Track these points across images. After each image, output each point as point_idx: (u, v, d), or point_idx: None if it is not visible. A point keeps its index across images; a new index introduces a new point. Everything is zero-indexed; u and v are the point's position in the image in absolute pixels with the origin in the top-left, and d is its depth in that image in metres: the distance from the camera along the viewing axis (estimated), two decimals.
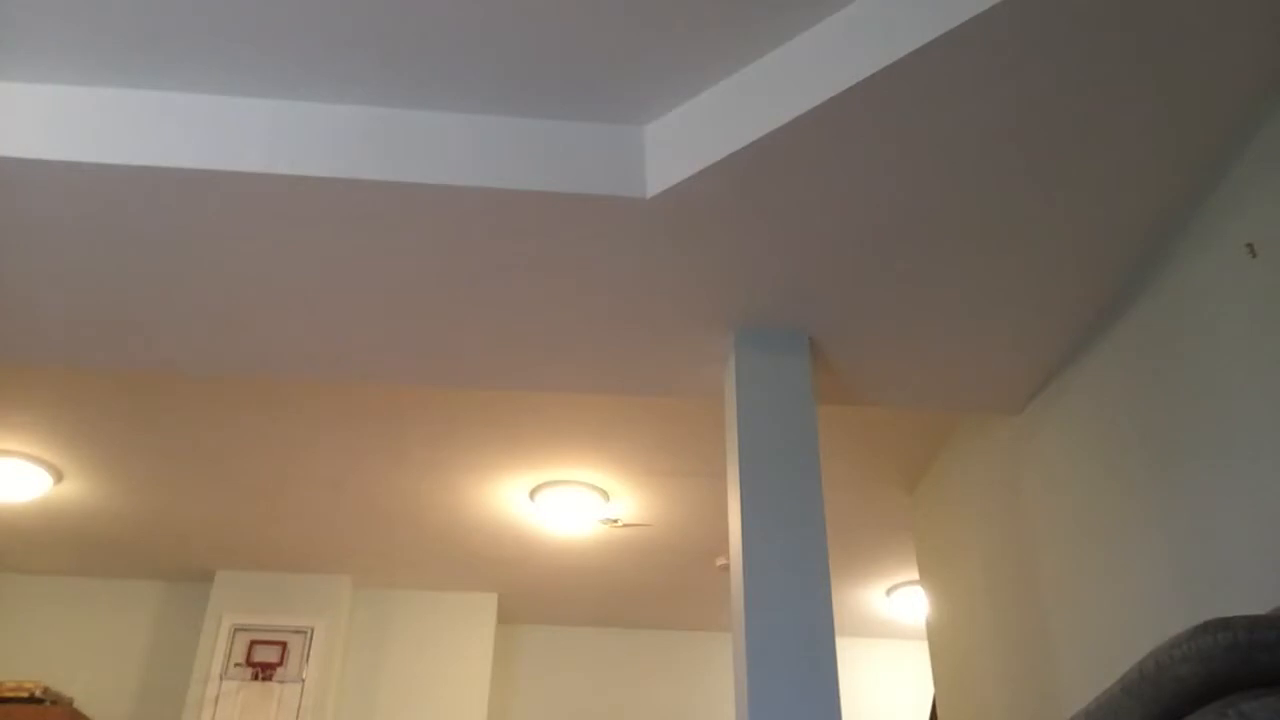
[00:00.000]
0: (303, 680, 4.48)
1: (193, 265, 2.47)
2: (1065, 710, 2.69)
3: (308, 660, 4.54)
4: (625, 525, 4.30)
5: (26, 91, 2.26)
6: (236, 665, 4.50)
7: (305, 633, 4.61)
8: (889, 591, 4.95)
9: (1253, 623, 1.27)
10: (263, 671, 4.49)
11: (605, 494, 4.05)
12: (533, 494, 4.05)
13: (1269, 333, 1.99)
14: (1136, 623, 2.39)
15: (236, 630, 4.59)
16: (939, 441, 3.65)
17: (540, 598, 5.03)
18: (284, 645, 4.57)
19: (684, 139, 2.25)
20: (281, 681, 4.48)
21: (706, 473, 3.89)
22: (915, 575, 4.80)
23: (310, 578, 4.77)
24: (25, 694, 4.10)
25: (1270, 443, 1.96)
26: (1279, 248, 1.99)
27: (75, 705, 4.36)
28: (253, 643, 4.56)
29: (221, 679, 4.46)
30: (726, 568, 4.70)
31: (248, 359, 2.80)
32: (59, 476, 3.95)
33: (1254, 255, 2.05)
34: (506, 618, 5.24)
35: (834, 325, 2.65)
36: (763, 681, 2.20)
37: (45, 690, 4.15)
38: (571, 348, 2.73)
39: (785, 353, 2.64)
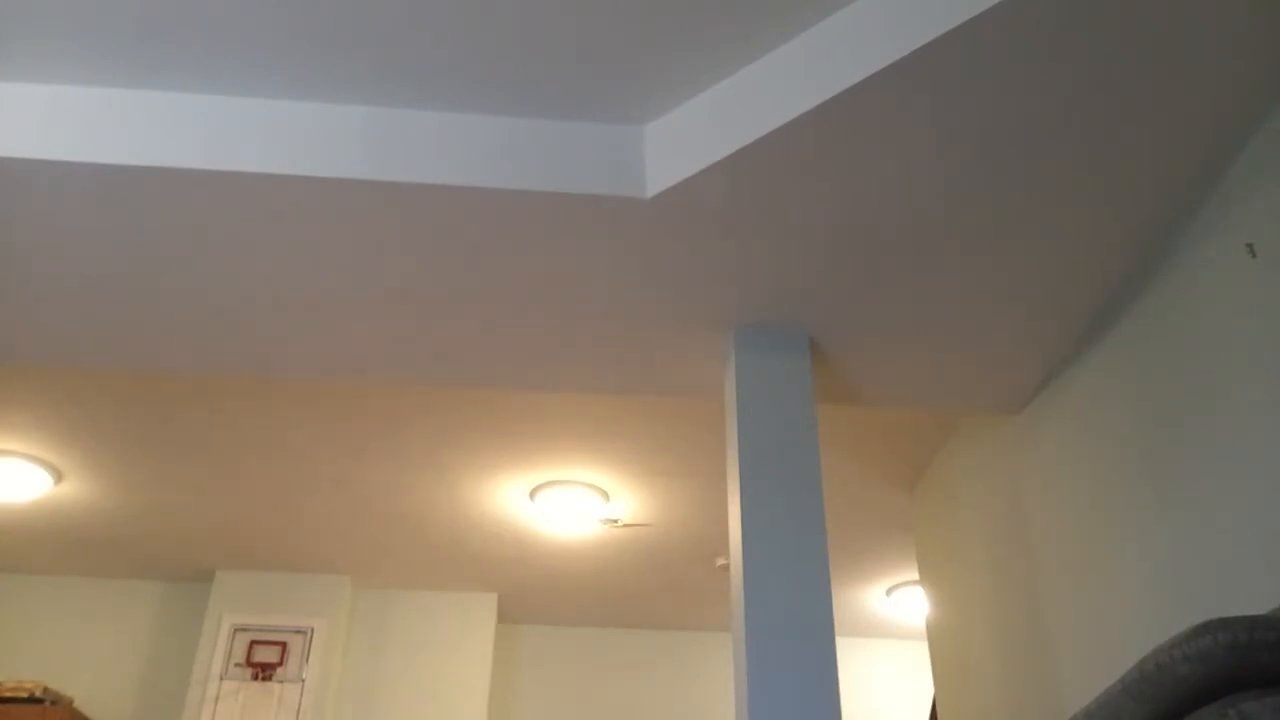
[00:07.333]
0: (303, 680, 4.48)
1: (191, 265, 2.47)
2: (1065, 710, 2.69)
3: (308, 660, 4.54)
4: (625, 525, 4.30)
5: (26, 91, 2.26)
6: (236, 665, 4.50)
7: (305, 633, 4.61)
8: (889, 591, 4.95)
9: (1253, 623, 1.27)
10: (263, 671, 4.49)
11: (605, 494, 4.05)
12: (533, 494, 4.05)
13: (1269, 333, 1.99)
14: (1137, 623, 2.39)
15: (236, 630, 4.59)
16: (939, 441, 3.65)
17: (540, 598, 5.03)
18: (284, 645, 4.57)
19: (684, 139, 2.25)
20: (281, 681, 4.48)
21: (706, 473, 3.89)
22: (915, 575, 4.80)
23: (310, 578, 4.77)
24: (25, 694, 4.10)
25: (1270, 442, 1.96)
26: (1279, 248, 1.99)
27: (75, 705, 4.36)
28: (253, 643, 4.56)
29: (221, 679, 4.46)
30: (726, 568, 4.70)
31: (247, 359, 2.79)
32: (59, 476, 3.95)
33: (1254, 255, 2.05)
34: (506, 618, 5.24)
35: (834, 325, 2.65)
36: (763, 681, 2.20)
37: (45, 690, 4.15)
38: (571, 347, 2.73)
39: (785, 353, 2.64)
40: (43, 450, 3.78)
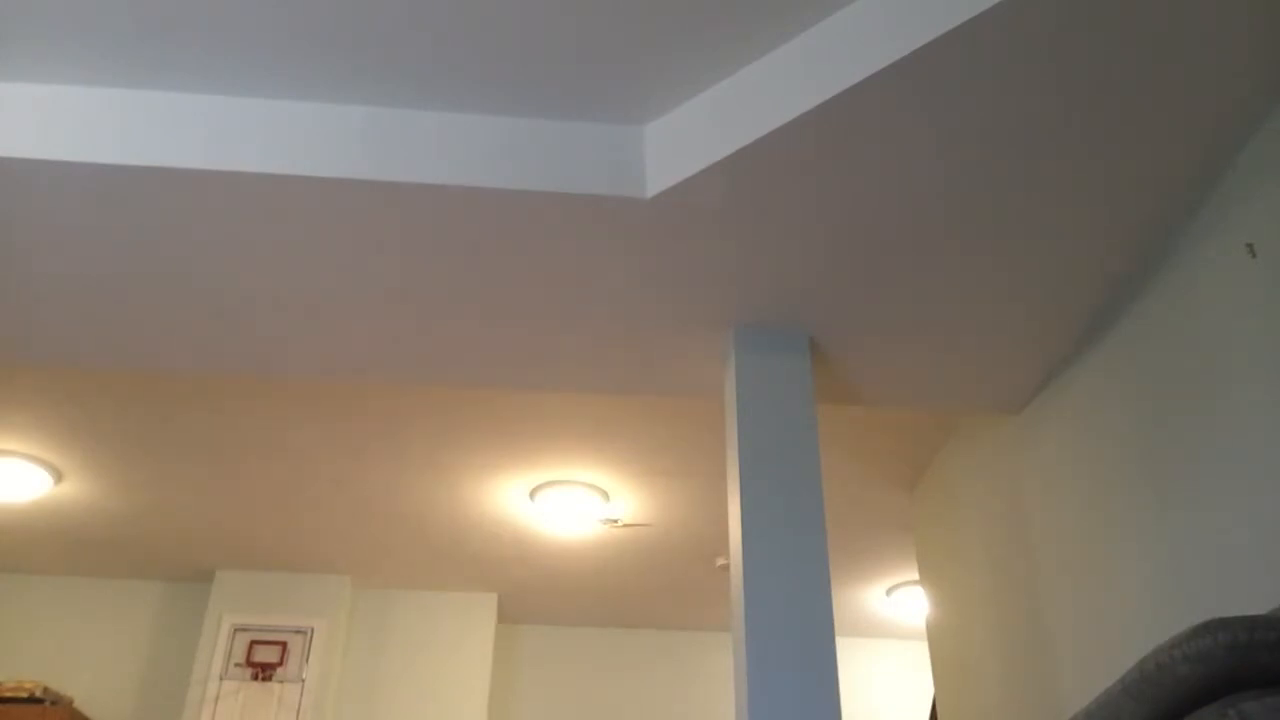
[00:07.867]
0: (303, 680, 4.48)
1: (191, 265, 2.47)
2: (1065, 710, 2.69)
3: (308, 660, 4.54)
4: (625, 525, 4.30)
5: (26, 91, 2.26)
6: (236, 665, 4.50)
7: (305, 633, 4.61)
8: (889, 591, 4.95)
9: (1253, 623, 1.27)
10: (263, 671, 4.49)
11: (605, 494, 4.05)
12: (533, 494, 4.05)
13: (1269, 333, 1.99)
14: (1137, 623, 2.39)
15: (236, 630, 4.59)
16: (939, 441, 3.65)
17: (540, 598, 5.03)
18: (284, 645, 4.57)
19: (684, 139, 2.25)
20: (281, 681, 4.48)
21: (706, 473, 3.89)
22: (915, 575, 4.80)
23: (310, 578, 4.77)
24: (25, 694, 4.10)
25: (1270, 442, 1.96)
26: (1279, 248, 1.99)
27: (75, 705, 4.36)
28: (253, 643, 4.56)
29: (221, 679, 4.46)
30: (726, 568, 4.70)
31: (247, 359, 2.79)
32: (59, 476, 3.95)
33: (1254, 255, 2.05)
34: (506, 618, 5.24)
35: (834, 325, 2.65)
36: (763, 681, 2.20)
37: (45, 690, 4.15)
38: (571, 347, 2.73)
39: (785, 353, 2.64)
40: (43, 450, 3.78)
